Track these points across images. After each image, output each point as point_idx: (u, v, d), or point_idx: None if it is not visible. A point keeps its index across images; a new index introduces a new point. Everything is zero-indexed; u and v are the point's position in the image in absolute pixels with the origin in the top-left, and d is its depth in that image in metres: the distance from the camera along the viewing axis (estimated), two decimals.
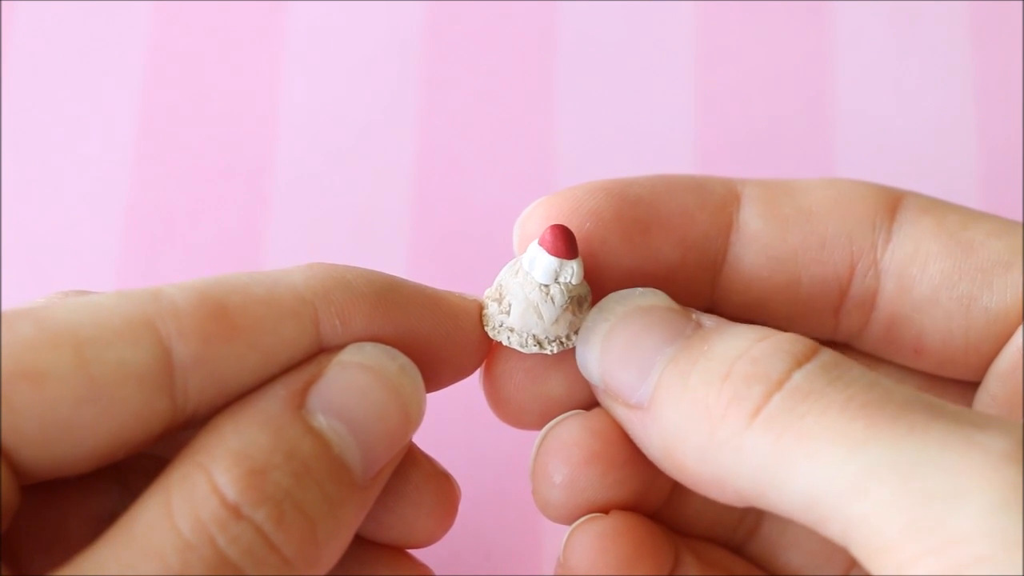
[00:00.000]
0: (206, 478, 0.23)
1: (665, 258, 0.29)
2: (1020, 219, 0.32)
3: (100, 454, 0.24)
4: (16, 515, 0.24)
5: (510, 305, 0.28)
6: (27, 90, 0.43)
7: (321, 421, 0.25)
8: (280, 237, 0.41)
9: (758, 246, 0.30)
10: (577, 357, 0.28)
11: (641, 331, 0.27)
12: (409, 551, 0.29)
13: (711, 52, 0.44)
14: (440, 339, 0.28)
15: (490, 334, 0.28)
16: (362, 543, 0.28)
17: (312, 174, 0.42)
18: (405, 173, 0.42)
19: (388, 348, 0.26)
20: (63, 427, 0.23)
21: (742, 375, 0.25)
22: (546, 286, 0.28)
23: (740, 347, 0.26)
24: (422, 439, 0.28)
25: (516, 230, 0.30)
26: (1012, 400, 0.29)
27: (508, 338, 0.28)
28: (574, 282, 0.28)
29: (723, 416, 0.25)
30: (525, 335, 0.28)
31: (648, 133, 0.43)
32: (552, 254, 0.28)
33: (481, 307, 0.29)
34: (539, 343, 0.28)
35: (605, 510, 0.29)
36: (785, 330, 0.27)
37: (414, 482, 0.28)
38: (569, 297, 0.28)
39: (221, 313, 0.24)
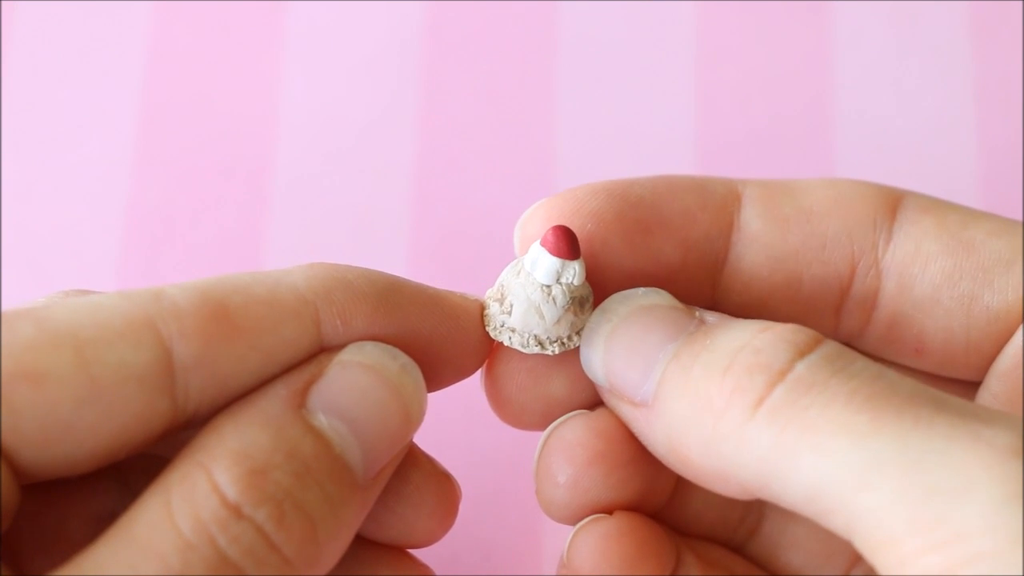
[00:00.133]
0: (206, 478, 0.23)
1: (666, 259, 0.29)
2: (1020, 219, 0.32)
3: (100, 454, 0.24)
4: (16, 515, 0.24)
5: (512, 305, 0.28)
6: (27, 90, 0.43)
7: (322, 421, 0.25)
8: (280, 237, 0.41)
9: (759, 246, 0.30)
10: (581, 357, 0.28)
11: (644, 329, 0.27)
12: (410, 551, 0.29)
13: (711, 52, 0.44)
14: (441, 339, 0.28)
15: (491, 334, 0.28)
16: (363, 543, 0.28)
17: (312, 174, 0.42)
18: (405, 173, 0.42)
19: (389, 347, 0.26)
20: (63, 428, 0.23)
21: (744, 366, 0.25)
22: (548, 287, 0.28)
23: (742, 339, 0.26)
24: (422, 439, 0.28)
25: (517, 231, 0.30)
26: (1013, 399, 0.29)
27: (509, 338, 0.28)
28: (576, 283, 0.28)
29: (726, 408, 0.25)
30: (526, 335, 0.28)
31: (648, 133, 0.43)
32: (554, 255, 0.28)
33: (482, 307, 0.29)
34: (540, 343, 0.28)
35: (608, 510, 0.29)
36: None
37: (415, 482, 0.28)
38: (571, 298, 0.28)
39: (222, 313, 0.24)
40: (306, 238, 0.41)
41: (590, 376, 0.28)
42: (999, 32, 0.44)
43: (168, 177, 0.42)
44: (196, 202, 0.42)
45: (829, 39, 0.45)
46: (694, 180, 0.30)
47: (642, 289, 0.28)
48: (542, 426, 0.30)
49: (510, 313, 0.28)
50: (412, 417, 0.26)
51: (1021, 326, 0.29)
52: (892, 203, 0.30)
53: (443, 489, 0.28)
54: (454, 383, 0.29)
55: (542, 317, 0.28)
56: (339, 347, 0.26)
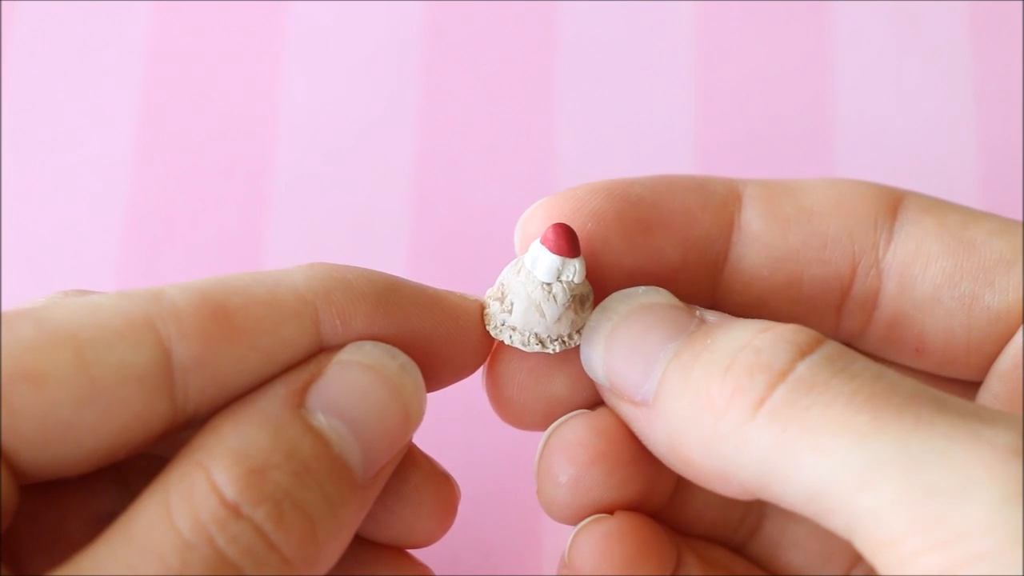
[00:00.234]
0: (205, 477, 0.23)
1: (667, 258, 0.29)
2: (1021, 219, 0.32)
3: (100, 455, 0.24)
4: (16, 515, 0.24)
5: (512, 304, 0.28)
6: (27, 90, 0.43)
7: (321, 420, 0.25)
8: (280, 237, 0.41)
9: (759, 246, 0.30)
10: (581, 356, 0.28)
11: (645, 328, 0.27)
12: (409, 551, 0.29)
13: (711, 52, 0.44)
14: (441, 339, 0.28)
15: (492, 333, 0.28)
16: (362, 543, 0.28)
17: (312, 174, 0.42)
18: (405, 173, 0.42)
19: (388, 347, 0.26)
20: (63, 428, 0.23)
21: (745, 366, 0.25)
22: (548, 285, 0.28)
23: (743, 338, 0.26)
24: (422, 439, 0.28)
25: (518, 230, 0.30)
26: (1014, 399, 0.29)
27: (510, 337, 0.28)
28: (576, 280, 0.28)
29: (726, 408, 0.25)
30: (527, 334, 0.28)
31: (648, 133, 0.43)
32: (554, 252, 0.28)
33: (482, 307, 0.29)
34: (541, 342, 0.28)
35: (610, 510, 0.29)
36: None
37: (414, 482, 0.28)
38: (571, 296, 0.28)
39: (222, 314, 0.24)
40: (306, 238, 0.41)
41: (590, 375, 0.28)
42: (999, 32, 0.44)
43: (168, 177, 0.42)
44: (196, 202, 0.42)
45: (829, 39, 0.45)
46: (694, 180, 0.30)
47: (643, 288, 0.28)
48: (543, 426, 0.30)
49: (511, 311, 0.28)
50: (411, 417, 0.26)
51: (1022, 326, 0.29)
52: (893, 203, 0.30)
53: (442, 489, 0.28)
54: (454, 383, 0.29)
55: (543, 315, 0.28)
56: (338, 347, 0.26)
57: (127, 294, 0.24)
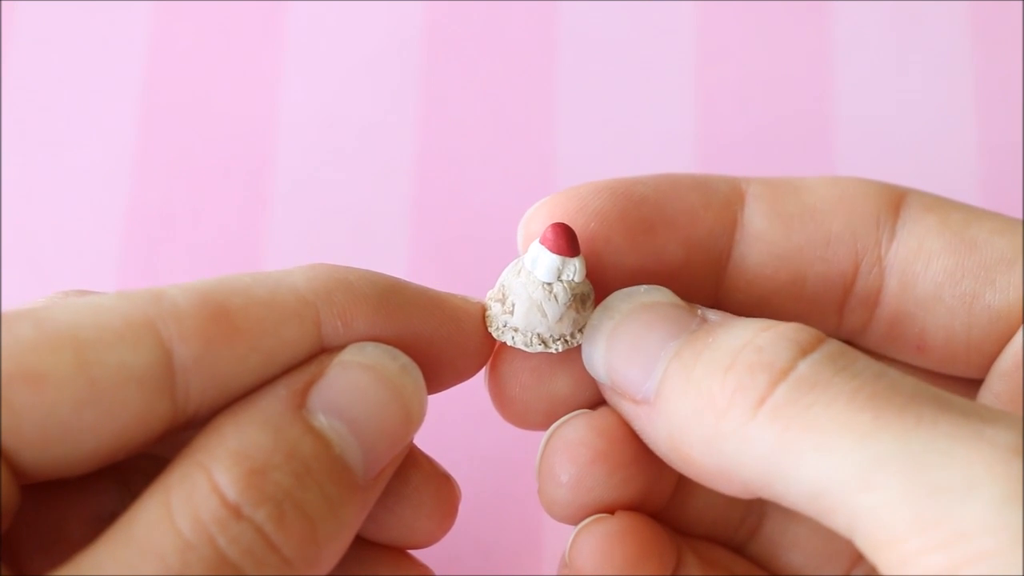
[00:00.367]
0: (206, 478, 0.23)
1: (669, 257, 0.29)
2: (1021, 218, 0.32)
3: (100, 455, 0.24)
4: (16, 515, 0.24)
5: (513, 305, 0.28)
6: (27, 90, 0.43)
7: (322, 421, 0.25)
8: (280, 237, 0.41)
9: (763, 244, 0.30)
10: (583, 355, 0.28)
11: (646, 327, 0.27)
12: (409, 551, 0.29)
13: (711, 52, 0.44)
14: (442, 341, 0.28)
15: (494, 334, 0.28)
16: (362, 543, 0.28)
17: (312, 174, 0.42)
18: (405, 173, 0.42)
19: (389, 348, 0.26)
20: (63, 429, 0.23)
21: (746, 364, 0.25)
22: (549, 284, 0.28)
23: (744, 337, 0.26)
24: (422, 440, 0.28)
25: (521, 229, 0.30)
26: (1015, 398, 0.29)
27: (512, 338, 0.28)
28: (577, 279, 0.28)
29: (728, 407, 0.25)
30: (529, 334, 0.28)
31: (648, 133, 0.43)
32: (554, 252, 0.28)
33: (484, 310, 0.29)
34: (544, 342, 0.28)
35: (611, 510, 0.29)
36: None
37: (414, 483, 0.28)
38: (572, 295, 0.28)
39: (223, 315, 0.24)
40: (306, 238, 0.41)
41: (592, 373, 0.28)
42: (999, 32, 0.44)
43: (168, 177, 0.42)
44: (196, 202, 0.42)
45: (829, 39, 0.45)
46: (697, 178, 0.30)
47: (644, 287, 0.28)
48: (545, 425, 0.30)
49: (512, 312, 0.28)
50: (412, 418, 0.26)
51: (1022, 325, 0.29)
52: (895, 201, 0.30)
53: (443, 490, 0.28)
54: (454, 385, 0.29)
55: (544, 315, 0.28)
56: (340, 348, 0.26)
57: (128, 295, 0.24)
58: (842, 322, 0.31)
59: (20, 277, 0.41)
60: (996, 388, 0.29)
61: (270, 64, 0.44)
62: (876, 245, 0.29)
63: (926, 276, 0.29)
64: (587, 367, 0.28)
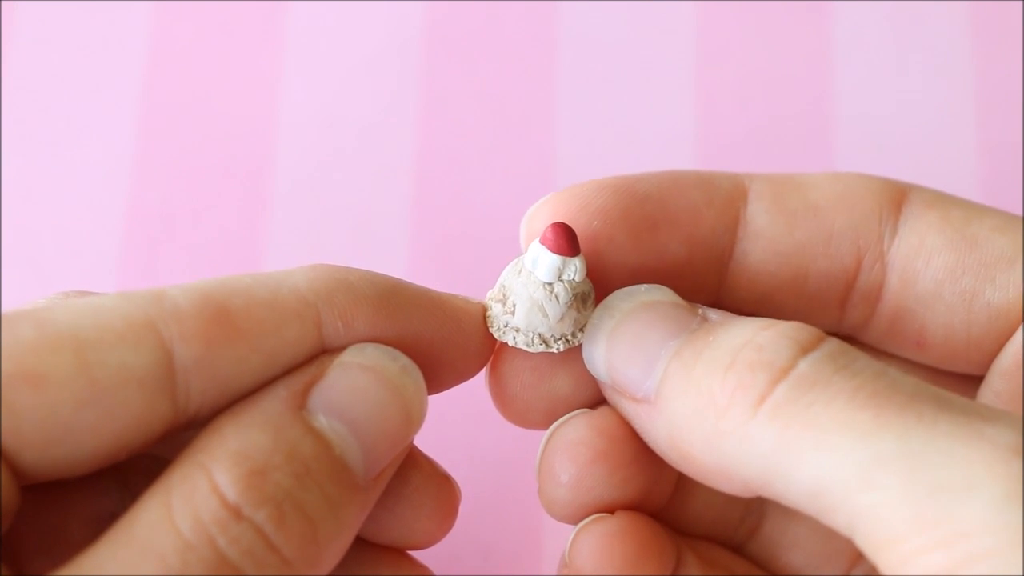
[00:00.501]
0: (207, 478, 0.23)
1: (672, 255, 0.29)
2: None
3: (101, 456, 0.24)
4: (17, 516, 0.24)
5: (514, 305, 0.28)
6: (27, 90, 0.43)
7: (322, 422, 0.25)
8: (280, 237, 0.41)
9: (765, 242, 0.30)
10: (584, 353, 0.28)
11: (646, 326, 0.27)
12: (409, 552, 0.29)
13: (711, 52, 0.44)
14: (442, 342, 0.28)
15: (495, 335, 0.28)
16: (362, 544, 0.28)
17: (312, 174, 0.42)
18: (405, 173, 0.42)
19: (390, 349, 0.26)
20: (64, 430, 0.23)
21: (746, 363, 0.25)
22: (550, 284, 0.28)
23: (744, 336, 0.26)
24: (422, 440, 0.28)
25: (523, 227, 0.30)
26: (1015, 397, 0.29)
27: (514, 338, 0.28)
28: (577, 279, 0.28)
29: (728, 405, 0.25)
30: (531, 334, 0.28)
31: (648, 133, 0.43)
32: (554, 252, 0.28)
33: (484, 310, 0.29)
34: (545, 342, 0.28)
35: (611, 509, 0.29)
36: None
37: (414, 484, 0.28)
38: (573, 294, 0.28)
39: (223, 316, 0.24)
40: (306, 238, 0.41)
41: (592, 372, 0.28)
42: (999, 32, 0.44)
43: (168, 177, 0.42)
44: (196, 202, 0.42)
45: (829, 39, 0.45)
46: (700, 175, 0.30)
47: (645, 286, 0.28)
48: (546, 424, 0.30)
49: (513, 313, 0.28)
50: (413, 418, 0.26)
51: (1022, 324, 0.29)
52: (897, 197, 0.30)
53: (443, 491, 0.28)
54: (455, 385, 0.29)
55: (546, 315, 0.28)
56: (340, 349, 0.26)
57: (128, 295, 0.24)
58: (844, 317, 0.31)
59: (20, 277, 0.41)
60: (997, 386, 0.29)
61: (270, 64, 0.44)
62: (878, 242, 0.30)
63: (927, 273, 0.29)
64: (588, 366, 0.28)
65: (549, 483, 0.29)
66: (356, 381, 0.26)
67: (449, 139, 0.43)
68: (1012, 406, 0.29)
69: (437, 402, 0.28)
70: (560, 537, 0.36)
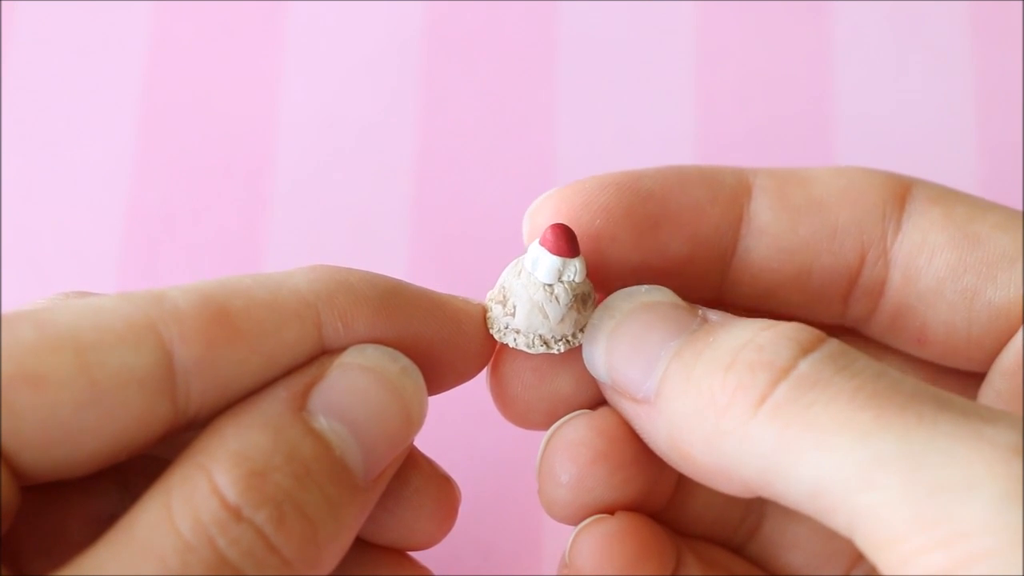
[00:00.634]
0: (207, 479, 0.23)
1: (675, 253, 0.29)
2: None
3: (101, 457, 0.24)
4: (17, 516, 0.24)
5: (515, 307, 0.28)
6: (27, 90, 0.43)
7: (322, 423, 0.25)
8: (280, 237, 0.41)
9: (768, 238, 0.30)
10: (584, 354, 0.28)
11: (646, 327, 0.27)
12: (409, 552, 0.29)
13: (711, 52, 0.44)
14: (443, 343, 0.28)
15: (496, 336, 0.28)
16: (362, 545, 0.28)
17: (312, 174, 0.42)
18: (405, 173, 0.42)
19: (390, 350, 0.26)
20: (64, 431, 0.23)
21: (747, 363, 0.25)
22: (550, 286, 0.28)
23: (745, 336, 0.26)
24: (422, 441, 0.28)
25: (526, 222, 0.30)
26: (1016, 396, 0.29)
27: (515, 340, 0.28)
28: (577, 280, 0.28)
29: (728, 405, 0.25)
30: (531, 336, 0.28)
31: (648, 133, 0.43)
32: (555, 253, 0.28)
33: (484, 311, 0.29)
34: (546, 343, 0.28)
35: (611, 510, 0.29)
36: (793, 318, 0.26)
37: (414, 485, 0.28)
38: (573, 295, 0.28)
39: (224, 317, 0.24)
40: (306, 238, 0.41)
41: (592, 373, 0.28)
42: (999, 32, 0.44)
43: (168, 177, 0.42)
44: (196, 202, 0.42)
45: (829, 39, 0.45)
46: (703, 171, 0.30)
47: (645, 286, 0.28)
48: (546, 425, 0.30)
49: (514, 314, 0.28)
50: (413, 419, 0.26)
51: (1023, 324, 0.29)
52: (901, 192, 0.30)
53: (443, 492, 0.28)
54: (455, 386, 0.29)
55: (546, 317, 0.28)
56: (340, 350, 0.26)
57: (129, 296, 0.24)
58: (846, 311, 0.31)
59: (20, 277, 0.41)
60: (998, 386, 0.29)
61: (270, 64, 0.44)
62: (882, 238, 0.29)
63: (929, 271, 0.29)
64: (588, 366, 0.28)
65: (549, 484, 0.29)
66: (356, 382, 0.26)
67: (449, 139, 0.43)
68: (1013, 405, 0.29)
69: (437, 402, 0.28)
70: (560, 537, 0.36)
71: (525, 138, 0.43)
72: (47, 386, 0.23)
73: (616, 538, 0.28)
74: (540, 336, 0.28)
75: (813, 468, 0.23)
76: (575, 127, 0.43)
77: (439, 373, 0.28)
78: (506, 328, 0.28)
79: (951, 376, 0.31)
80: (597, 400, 0.29)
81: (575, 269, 0.28)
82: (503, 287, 0.29)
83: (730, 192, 0.30)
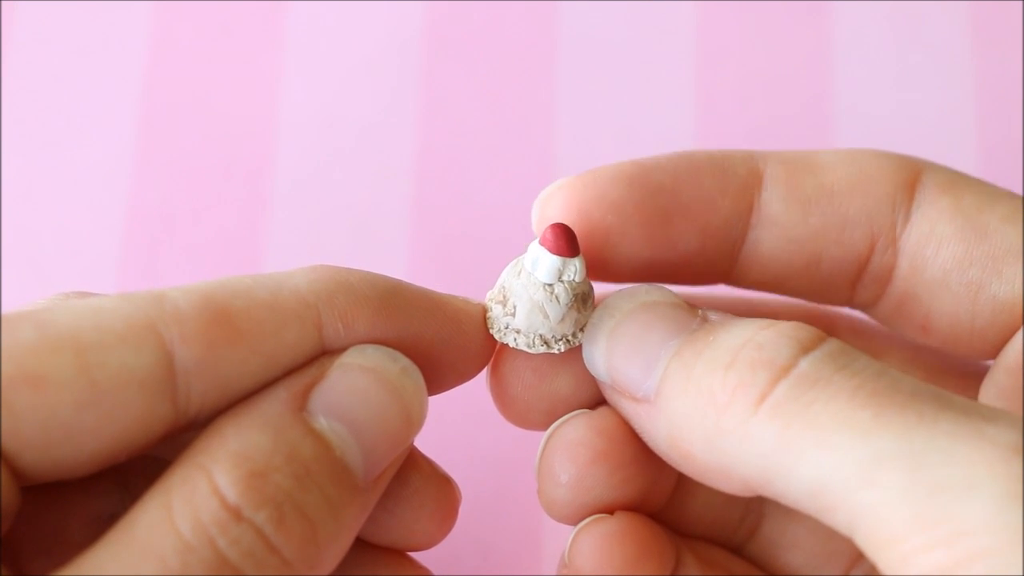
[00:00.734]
0: (207, 480, 0.23)
1: (684, 246, 0.29)
2: None
3: (101, 457, 0.24)
4: (17, 517, 0.24)
5: (515, 307, 0.28)
6: (27, 90, 0.43)
7: (322, 423, 0.25)
8: (280, 237, 0.41)
9: (779, 229, 0.30)
10: (584, 353, 0.28)
11: (646, 326, 0.27)
12: (409, 553, 0.29)
13: (711, 52, 0.44)
14: (443, 343, 0.28)
15: (496, 336, 0.28)
16: (362, 545, 0.28)
17: (312, 174, 0.42)
18: (405, 173, 0.42)
19: (390, 350, 0.26)
20: (64, 431, 0.23)
21: (747, 362, 0.25)
22: (550, 285, 0.28)
23: (745, 335, 0.26)
24: (422, 441, 0.28)
25: (535, 212, 0.30)
26: (1017, 393, 0.29)
27: (515, 340, 0.28)
28: (577, 279, 0.28)
29: (728, 404, 0.25)
30: (532, 335, 0.28)
31: (648, 133, 0.43)
32: (555, 253, 0.28)
33: (484, 311, 0.29)
34: (546, 343, 0.28)
35: (610, 510, 0.29)
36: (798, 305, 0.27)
37: (414, 485, 0.28)
38: (573, 295, 0.28)
39: (224, 317, 0.24)
40: (306, 238, 0.41)
41: (592, 372, 0.28)
42: (999, 32, 0.44)
43: (168, 177, 0.42)
44: (196, 202, 0.42)
45: (829, 39, 0.45)
46: (714, 159, 0.30)
47: (645, 286, 0.28)
48: (546, 424, 0.30)
49: (514, 314, 0.28)
50: (413, 419, 0.26)
51: None
52: (911, 178, 0.30)
53: (443, 492, 0.28)
54: (455, 386, 0.29)
55: (546, 316, 0.28)
56: (340, 350, 0.26)
57: (129, 297, 0.24)
58: (854, 296, 0.31)
59: (20, 277, 0.41)
60: (1001, 382, 0.29)
61: (270, 64, 0.44)
62: (891, 227, 0.29)
63: (935, 262, 0.29)
64: (588, 366, 0.28)
65: (549, 483, 0.29)
66: (356, 382, 0.26)
67: (449, 139, 0.43)
68: (1014, 401, 0.29)
69: (437, 402, 0.28)
70: (560, 537, 0.36)
71: (525, 138, 0.43)
72: (47, 386, 0.23)
73: (615, 538, 0.28)
74: (540, 336, 0.28)
75: (813, 467, 0.23)
76: (575, 127, 0.43)
77: (439, 373, 0.28)
78: (506, 328, 0.28)
79: (953, 376, 0.31)
80: (597, 400, 0.29)
81: (575, 269, 0.28)
82: (503, 287, 0.29)
83: (741, 182, 0.30)
